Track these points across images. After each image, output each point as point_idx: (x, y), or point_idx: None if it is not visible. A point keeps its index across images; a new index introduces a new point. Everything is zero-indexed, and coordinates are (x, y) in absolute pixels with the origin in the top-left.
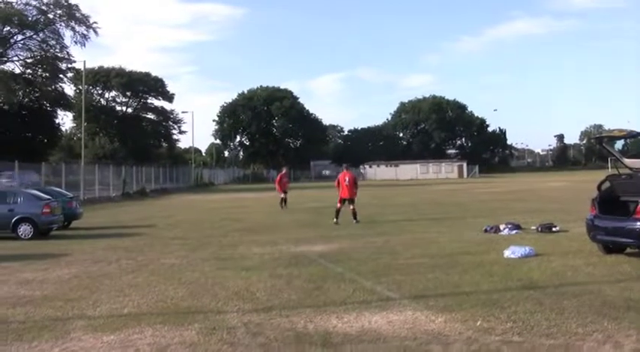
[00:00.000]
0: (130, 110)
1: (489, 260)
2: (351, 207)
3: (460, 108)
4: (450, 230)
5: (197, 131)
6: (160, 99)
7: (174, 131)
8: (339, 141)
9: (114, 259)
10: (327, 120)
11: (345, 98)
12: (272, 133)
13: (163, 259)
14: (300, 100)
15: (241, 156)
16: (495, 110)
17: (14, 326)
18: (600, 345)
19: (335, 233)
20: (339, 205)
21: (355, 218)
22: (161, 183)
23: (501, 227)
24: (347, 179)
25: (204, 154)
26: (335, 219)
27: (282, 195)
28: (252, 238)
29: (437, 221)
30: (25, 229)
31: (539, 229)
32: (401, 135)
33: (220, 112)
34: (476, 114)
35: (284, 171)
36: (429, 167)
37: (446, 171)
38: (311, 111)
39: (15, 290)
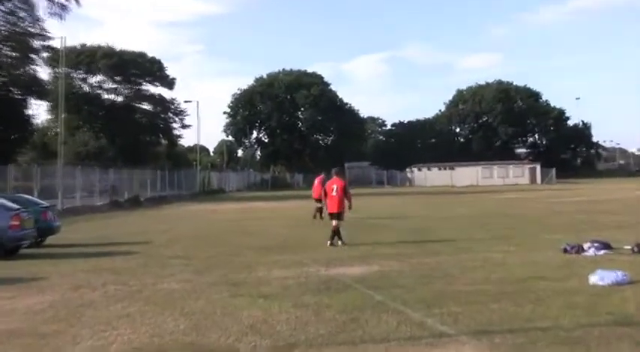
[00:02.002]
0: (120, 99)
1: (570, 287)
2: (334, 222)
3: (533, 96)
4: (520, 249)
5: (204, 125)
6: (157, 86)
7: (175, 125)
8: (380, 137)
9: (99, 284)
10: (365, 112)
11: (387, 84)
12: (297, 128)
13: (161, 284)
14: (332, 87)
15: (259, 157)
16: (578, 99)
17: None
18: None
19: (376, 252)
20: (334, 223)
21: (333, 238)
22: (158, 189)
23: (585, 246)
24: (335, 188)
25: (212, 154)
26: (331, 241)
27: (318, 205)
28: (273, 258)
29: (503, 238)
30: None
31: (635, 249)
32: (458, 130)
33: (233, 102)
34: (552, 104)
35: (326, 175)
36: (493, 170)
37: (514, 175)
38: (345, 101)
39: None
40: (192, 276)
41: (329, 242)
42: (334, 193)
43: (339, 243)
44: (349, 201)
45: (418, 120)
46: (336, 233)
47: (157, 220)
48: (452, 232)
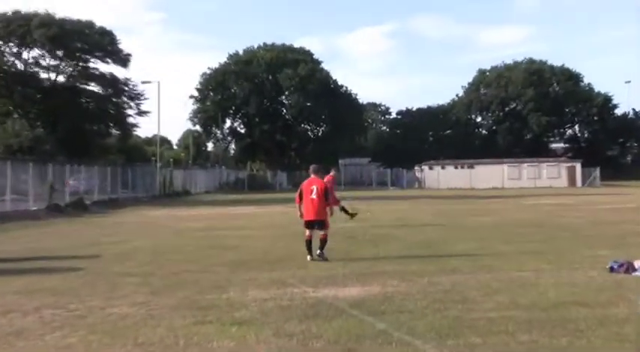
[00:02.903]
0: (62, 78)
1: (618, 315)
2: (322, 232)
3: (572, 78)
4: (556, 267)
5: (166, 112)
6: (108, 63)
7: (130, 111)
8: (383, 128)
9: (32, 308)
10: (365, 97)
11: (393, 63)
12: (280, 116)
13: (110, 307)
14: (325, 66)
15: (233, 151)
16: (628, 82)
17: None
18: None
19: (377, 268)
20: (307, 233)
21: (321, 249)
22: (109, 190)
23: (637, 264)
24: (314, 189)
25: (176, 147)
26: (309, 255)
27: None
28: (249, 276)
29: (534, 253)
30: None
31: None
32: (479, 120)
33: (202, 84)
34: (596, 89)
35: (333, 173)
36: (522, 170)
37: (549, 175)
38: (340, 83)
39: None
40: (150, 298)
41: (317, 251)
42: (313, 196)
43: (308, 257)
44: (332, 205)
45: (430, 108)
46: (324, 242)
47: (107, 229)
48: (471, 245)
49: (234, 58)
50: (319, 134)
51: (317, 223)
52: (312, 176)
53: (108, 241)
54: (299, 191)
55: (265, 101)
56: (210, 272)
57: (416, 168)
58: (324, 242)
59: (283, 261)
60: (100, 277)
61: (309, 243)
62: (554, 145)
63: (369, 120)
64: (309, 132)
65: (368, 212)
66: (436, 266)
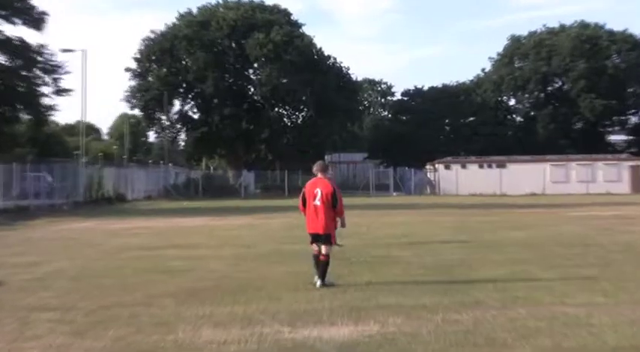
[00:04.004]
0: None
1: None
2: (323, 252)
3: (636, 48)
4: (613, 301)
5: (94, 90)
6: (16, 24)
7: (45, 89)
8: (384, 113)
9: None
10: (360, 72)
11: (397, 28)
12: (247, 96)
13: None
14: (306, 30)
15: (183, 144)
16: None
17: None
18: None
19: (375, 300)
20: (314, 249)
21: (324, 274)
22: (16, 195)
23: None
24: (319, 193)
25: (106, 137)
26: (322, 279)
27: None
28: (204, 310)
29: (585, 281)
30: None
31: None
32: (512, 103)
33: (142, 52)
34: None
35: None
36: (569, 170)
37: (606, 178)
38: (327, 53)
39: None
40: (71, 340)
41: (319, 281)
42: (317, 202)
43: (318, 282)
44: (341, 215)
45: (446, 87)
46: (324, 265)
47: (14, 247)
48: (500, 270)
49: (185, 18)
50: (298, 121)
51: (322, 237)
52: (319, 175)
53: (15, 263)
54: (302, 195)
55: (227, 77)
56: (152, 305)
57: (427, 167)
58: (324, 266)
59: (249, 290)
60: (5, 312)
61: (317, 259)
62: (612, 137)
63: (366, 103)
64: (286, 119)
65: (364, 226)
66: (453, 298)
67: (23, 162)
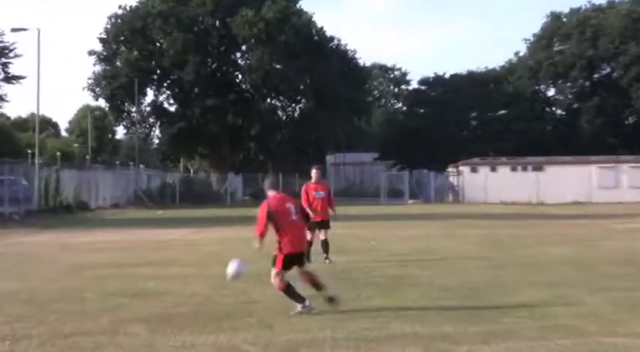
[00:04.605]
0: None
1: None
2: (323, 235)
3: None
4: None
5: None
6: None
7: None
8: (398, 105)
9: None
10: (369, 56)
11: (412, 5)
12: (234, 84)
13: None
14: (304, 6)
15: (157, 141)
16: None
17: None
18: None
19: (388, 328)
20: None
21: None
22: None
23: None
24: (292, 208)
25: (65, 134)
26: (298, 304)
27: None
28: (182, 339)
29: (638, 306)
30: None
31: None
32: (551, 93)
33: (109, 32)
34: None
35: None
36: (620, 173)
37: None
38: (330, 34)
39: None
40: None
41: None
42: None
43: (299, 307)
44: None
45: (472, 74)
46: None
47: None
48: (538, 293)
49: None
50: (295, 114)
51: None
52: (273, 193)
53: None
54: (266, 216)
55: (210, 61)
56: (120, 334)
57: (450, 169)
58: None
59: (236, 316)
60: None
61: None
62: None
63: (375, 93)
64: (280, 112)
65: (372, 241)
66: (481, 326)
67: None
